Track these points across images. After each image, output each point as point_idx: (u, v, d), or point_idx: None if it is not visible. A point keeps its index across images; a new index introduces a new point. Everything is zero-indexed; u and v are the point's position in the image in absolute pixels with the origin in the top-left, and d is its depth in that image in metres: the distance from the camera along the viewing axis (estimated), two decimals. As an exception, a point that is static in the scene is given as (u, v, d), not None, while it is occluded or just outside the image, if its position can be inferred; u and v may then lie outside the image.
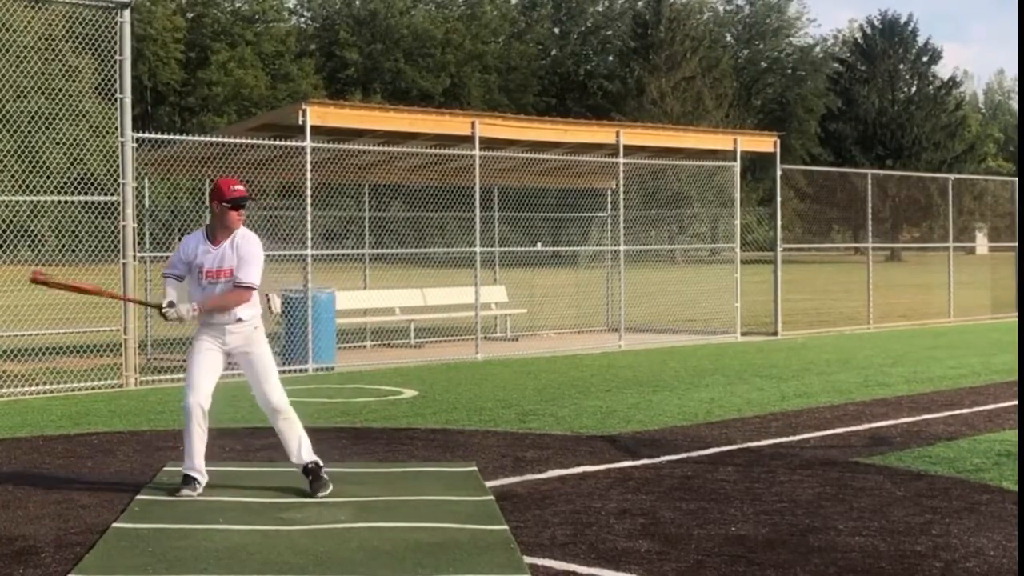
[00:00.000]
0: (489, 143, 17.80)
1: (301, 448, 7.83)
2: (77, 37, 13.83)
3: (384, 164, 19.23)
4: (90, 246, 14.78)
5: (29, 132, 14.82)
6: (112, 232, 13.67)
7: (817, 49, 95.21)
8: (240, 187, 7.81)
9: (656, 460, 9.07)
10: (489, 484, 8.10)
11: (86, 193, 14.19)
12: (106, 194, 13.74)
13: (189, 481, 7.74)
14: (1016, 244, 27.32)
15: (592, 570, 6.09)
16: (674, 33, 70.42)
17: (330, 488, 7.70)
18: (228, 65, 74.56)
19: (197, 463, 7.78)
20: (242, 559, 6.28)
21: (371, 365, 16.18)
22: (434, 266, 26.63)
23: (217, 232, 7.81)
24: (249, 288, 7.73)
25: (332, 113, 16.71)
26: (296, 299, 15.51)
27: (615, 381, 14.25)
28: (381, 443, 9.87)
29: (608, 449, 9.57)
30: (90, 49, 13.73)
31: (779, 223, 21.72)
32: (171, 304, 7.78)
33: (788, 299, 23.43)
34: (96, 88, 15.18)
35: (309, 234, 15.32)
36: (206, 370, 7.83)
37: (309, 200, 15.35)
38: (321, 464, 7.84)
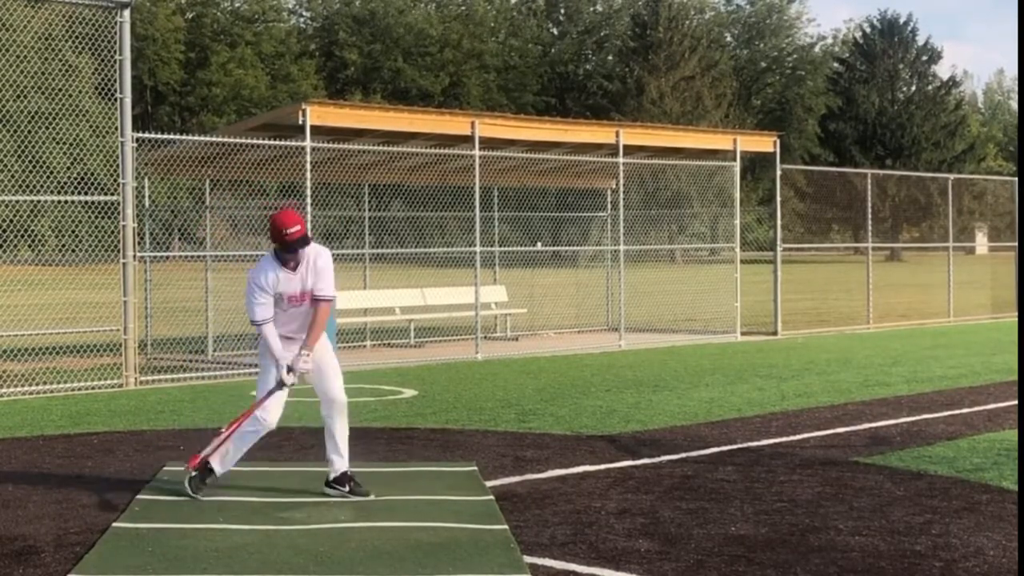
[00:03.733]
0: (489, 143, 17.80)
1: (346, 453, 7.81)
2: (77, 37, 13.83)
3: (384, 164, 19.23)
4: (90, 246, 14.78)
5: (29, 132, 14.82)
6: (112, 232, 13.67)
7: (817, 49, 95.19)
8: (294, 229, 7.53)
9: (656, 460, 9.07)
10: (489, 484, 8.11)
11: (86, 193, 14.18)
12: (106, 194, 13.74)
13: (209, 474, 7.70)
14: (1016, 244, 27.34)
15: (592, 570, 6.09)
16: (673, 33, 70.43)
17: (371, 495, 7.68)
18: (228, 65, 74.58)
19: (231, 460, 7.75)
20: (242, 559, 6.28)
21: (371, 365, 16.18)
22: (434, 266, 26.64)
23: (285, 259, 7.66)
24: (331, 300, 7.73)
25: (332, 113, 16.70)
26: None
27: (615, 381, 14.25)
28: (381, 443, 9.86)
29: (608, 449, 9.57)
30: (90, 49, 13.73)
31: (779, 223, 21.72)
32: (289, 370, 7.65)
33: (788, 299, 23.43)
34: (96, 88, 15.18)
35: (309, 234, 15.30)
36: (283, 393, 7.76)
37: (309, 200, 15.35)
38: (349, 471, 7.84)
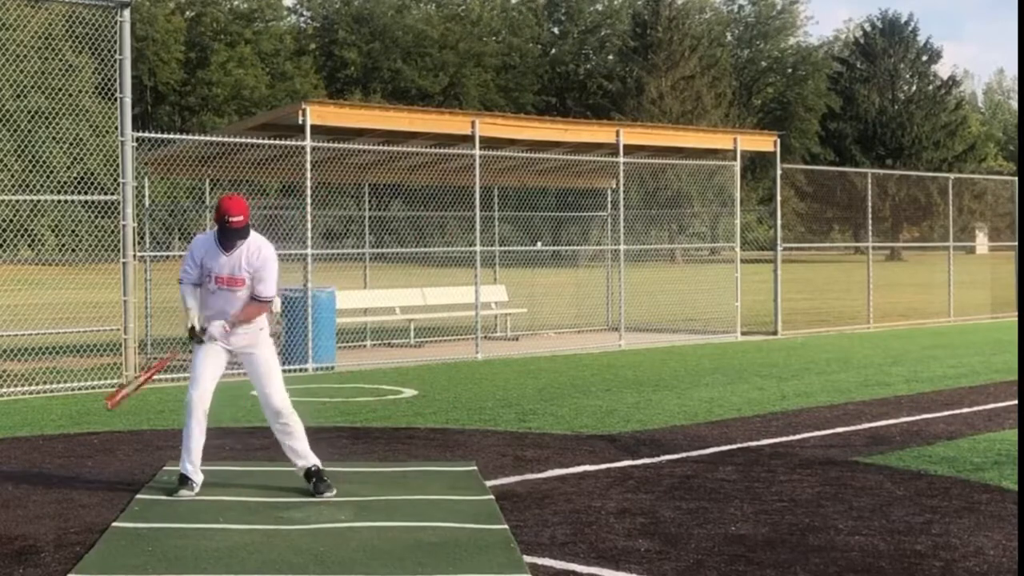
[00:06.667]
0: (489, 142, 17.79)
1: (299, 455, 7.85)
2: (77, 37, 13.83)
3: (384, 164, 19.23)
4: (90, 245, 14.78)
5: (29, 131, 14.81)
6: (112, 231, 13.67)
7: (823, 50, 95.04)
8: (237, 218, 7.53)
9: (656, 460, 9.06)
10: (489, 483, 8.10)
11: (86, 192, 14.18)
12: (106, 193, 13.74)
13: (185, 481, 7.74)
14: (1016, 244, 27.33)
15: (592, 569, 6.09)
16: (673, 33, 70.38)
17: (334, 490, 7.68)
18: (227, 65, 74.58)
19: (194, 461, 7.77)
20: (242, 558, 6.28)
21: (371, 365, 16.18)
22: (434, 265, 26.64)
23: (226, 241, 7.70)
24: (269, 302, 7.77)
25: (332, 113, 16.71)
26: (296, 298, 15.52)
27: (615, 381, 14.25)
28: (381, 443, 9.87)
29: (608, 449, 9.57)
30: (90, 49, 13.73)
31: (779, 222, 21.72)
32: (203, 330, 7.77)
33: (788, 298, 23.43)
34: (96, 88, 15.18)
35: (309, 233, 15.32)
36: (209, 366, 7.82)
37: (309, 199, 15.35)
38: (321, 467, 7.83)
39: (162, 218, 19.06)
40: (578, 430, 10.50)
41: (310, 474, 7.79)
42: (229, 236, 7.63)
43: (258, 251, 7.73)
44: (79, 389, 13.18)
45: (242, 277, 7.71)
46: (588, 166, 20.76)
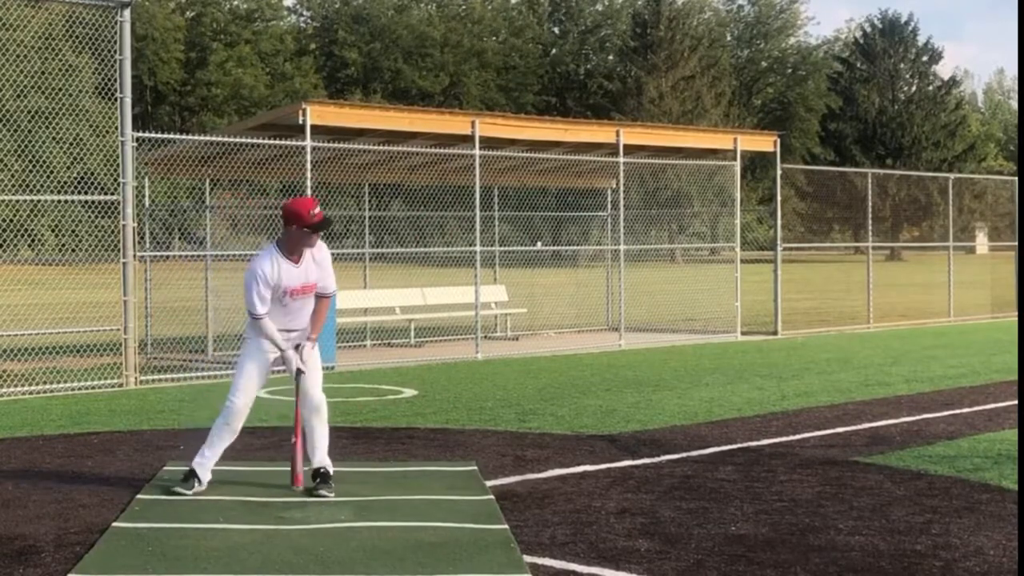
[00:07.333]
0: (489, 142, 17.79)
1: (316, 450, 7.90)
2: (77, 37, 13.83)
3: (384, 163, 19.23)
4: (90, 245, 14.79)
5: (29, 131, 14.82)
6: (112, 231, 13.67)
7: (823, 50, 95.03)
8: (318, 210, 7.68)
9: (656, 459, 9.07)
10: (489, 483, 8.11)
11: (86, 192, 14.19)
12: (106, 193, 13.74)
13: (193, 475, 7.72)
14: (1016, 244, 27.34)
15: (592, 569, 6.09)
16: (673, 32, 70.41)
17: (332, 495, 7.69)
18: (227, 65, 74.60)
19: (211, 462, 7.79)
20: (242, 558, 6.28)
21: (371, 365, 16.18)
22: (434, 265, 26.66)
23: (293, 250, 7.70)
24: (332, 296, 7.88)
25: (332, 112, 16.71)
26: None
27: (615, 381, 14.25)
28: (381, 443, 9.87)
29: (608, 448, 9.57)
30: (90, 49, 13.73)
31: (779, 222, 21.72)
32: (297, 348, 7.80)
33: (788, 298, 23.43)
34: (96, 88, 15.18)
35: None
36: (257, 376, 7.83)
37: (309, 199, 15.33)
38: (331, 472, 7.86)
39: (162, 218, 19.05)
40: (578, 430, 10.50)
41: (317, 473, 7.82)
42: (322, 228, 7.66)
43: (318, 249, 7.79)
44: (79, 389, 13.17)
45: (313, 282, 7.76)
46: (588, 166, 20.75)
